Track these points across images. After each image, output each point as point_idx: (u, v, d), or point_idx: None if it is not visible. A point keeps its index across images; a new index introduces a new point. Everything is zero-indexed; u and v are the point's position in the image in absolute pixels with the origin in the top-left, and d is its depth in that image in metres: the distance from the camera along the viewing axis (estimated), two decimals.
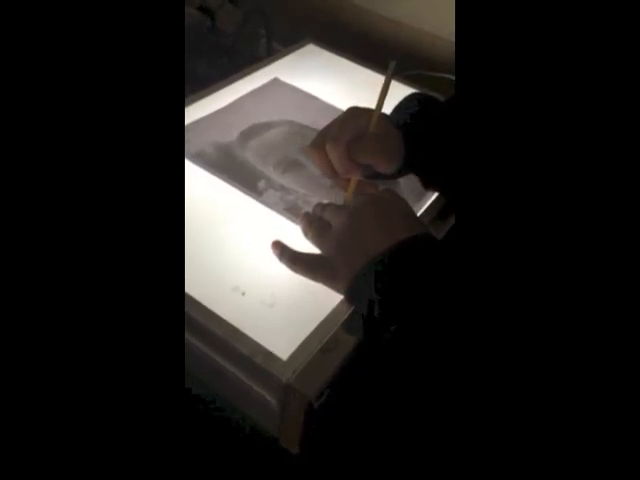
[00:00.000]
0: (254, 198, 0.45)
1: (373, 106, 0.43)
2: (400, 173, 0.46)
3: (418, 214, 0.46)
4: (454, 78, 0.60)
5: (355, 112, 0.44)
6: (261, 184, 0.47)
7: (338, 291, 0.38)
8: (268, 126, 0.53)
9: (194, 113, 0.53)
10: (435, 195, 0.48)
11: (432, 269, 0.34)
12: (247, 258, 0.40)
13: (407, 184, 0.49)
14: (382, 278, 0.34)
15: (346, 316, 0.37)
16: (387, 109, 0.46)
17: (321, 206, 0.42)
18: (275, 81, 0.60)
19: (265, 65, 0.63)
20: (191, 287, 0.37)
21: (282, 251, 0.39)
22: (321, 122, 0.54)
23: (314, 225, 0.40)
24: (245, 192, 0.46)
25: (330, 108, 0.57)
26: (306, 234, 0.40)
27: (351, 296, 0.36)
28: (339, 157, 0.41)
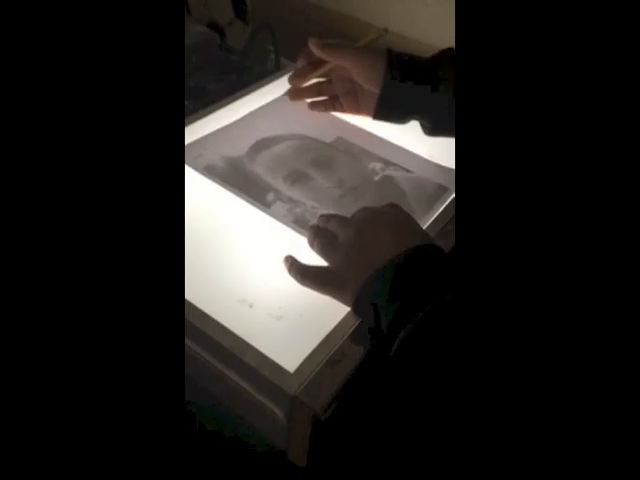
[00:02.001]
0: (262, 210, 0.46)
1: None
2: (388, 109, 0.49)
3: (425, 225, 0.46)
4: None
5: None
6: (270, 196, 0.47)
7: (345, 303, 0.38)
8: (278, 140, 0.54)
9: (205, 128, 0.54)
10: (443, 207, 0.48)
11: (438, 278, 0.34)
12: (255, 270, 0.41)
13: (414, 195, 0.49)
14: (388, 287, 0.34)
15: (353, 328, 0.37)
16: None
17: (326, 217, 0.42)
18: (286, 96, 0.61)
19: (273, 80, 0.64)
20: (199, 299, 0.37)
21: (291, 264, 0.40)
22: (330, 135, 0.55)
23: (320, 237, 0.40)
24: (254, 204, 0.46)
25: (338, 121, 0.58)
26: (312, 245, 0.40)
27: (358, 307, 0.36)
28: (321, 43, 0.48)
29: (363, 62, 0.48)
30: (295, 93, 0.56)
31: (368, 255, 0.36)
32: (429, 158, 0.54)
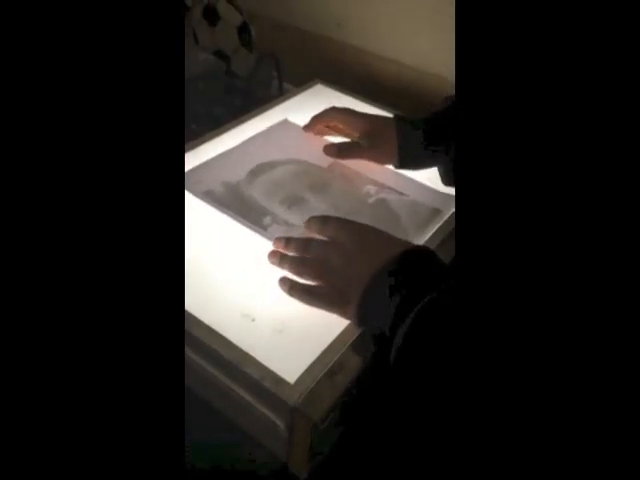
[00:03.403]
0: (259, 233, 0.47)
1: None
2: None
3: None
4: None
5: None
6: (266, 220, 0.48)
7: (348, 317, 0.39)
8: (275, 165, 0.55)
9: (211, 151, 0.56)
10: (435, 228, 0.50)
11: (438, 273, 0.35)
12: (256, 288, 0.42)
13: (408, 218, 0.50)
14: (387, 289, 0.35)
15: (353, 339, 0.39)
16: None
17: (300, 244, 0.43)
18: (285, 122, 0.63)
19: (277, 104, 0.66)
20: (204, 314, 0.39)
21: (291, 286, 0.41)
22: (326, 160, 0.57)
23: (307, 267, 0.41)
24: (251, 227, 0.48)
25: None
26: (301, 275, 0.41)
27: (362, 316, 0.38)
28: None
29: (377, 156, 0.55)
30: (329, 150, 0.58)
31: (363, 268, 0.37)
32: (423, 182, 0.55)
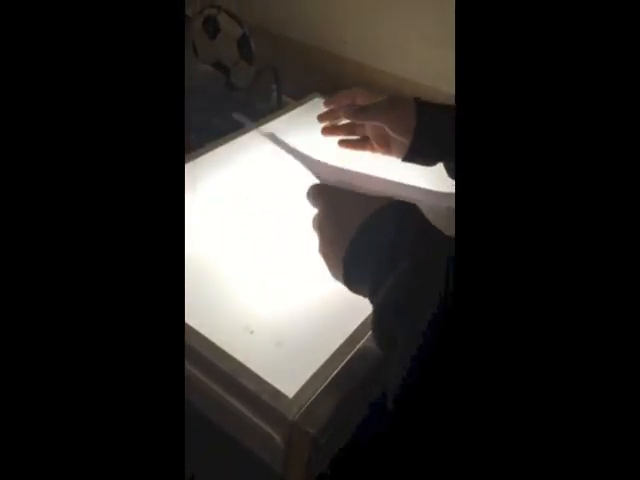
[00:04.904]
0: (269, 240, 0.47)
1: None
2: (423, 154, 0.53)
3: None
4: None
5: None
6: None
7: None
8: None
9: (209, 161, 0.57)
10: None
11: (420, 221, 0.36)
12: (256, 300, 0.42)
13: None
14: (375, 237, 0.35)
15: (350, 356, 0.39)
16: None
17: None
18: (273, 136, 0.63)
19: (276, 117, 0.67)
20: (203, 326, 0.39)
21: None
22: (333, 176, 0.56)
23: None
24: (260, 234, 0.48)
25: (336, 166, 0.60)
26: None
27: (349, 271, 0.36)
28: (352, 111, 0.54)
29: (394, 120, 0.53)
30: (328, 130, 0.60)
31: (337, 229, 0.37)
32: (429, 188, 0.56)
